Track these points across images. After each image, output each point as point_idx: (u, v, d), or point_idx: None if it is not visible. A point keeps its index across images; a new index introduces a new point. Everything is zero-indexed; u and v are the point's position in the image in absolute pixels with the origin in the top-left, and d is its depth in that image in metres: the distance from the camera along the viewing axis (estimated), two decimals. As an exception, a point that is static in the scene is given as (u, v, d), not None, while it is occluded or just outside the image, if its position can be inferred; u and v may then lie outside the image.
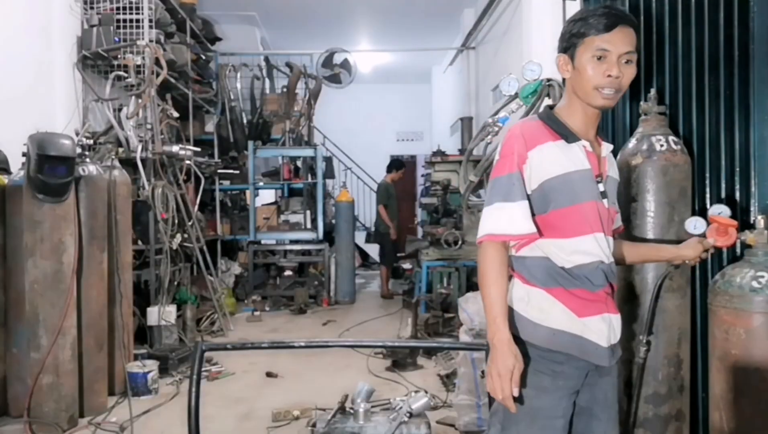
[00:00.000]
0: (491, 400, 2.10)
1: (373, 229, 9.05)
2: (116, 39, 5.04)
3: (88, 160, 3.76)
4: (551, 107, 1.70)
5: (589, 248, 1.62)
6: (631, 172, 2.41)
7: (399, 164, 8.36)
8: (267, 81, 8.46)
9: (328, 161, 9.15)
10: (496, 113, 2.29)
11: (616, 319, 1.68)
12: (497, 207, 1.59)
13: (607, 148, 1.70)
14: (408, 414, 2.39)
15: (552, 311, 1.61)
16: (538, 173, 1.59)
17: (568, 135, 1.62)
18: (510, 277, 1.66)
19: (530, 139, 1.60)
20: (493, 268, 1.57)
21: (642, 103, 2.50)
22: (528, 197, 1.59)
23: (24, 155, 3.40)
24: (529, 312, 1.63)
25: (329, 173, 8.86)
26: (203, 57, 7.39)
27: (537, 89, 2.20)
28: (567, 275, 1.61)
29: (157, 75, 5.02)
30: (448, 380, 4.04)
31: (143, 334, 4.81)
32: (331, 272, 7.69)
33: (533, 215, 1.60)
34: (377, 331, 5.96)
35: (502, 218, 1.58)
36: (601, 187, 1.65)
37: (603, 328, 1.63)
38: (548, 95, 2.21)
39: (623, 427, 2.42)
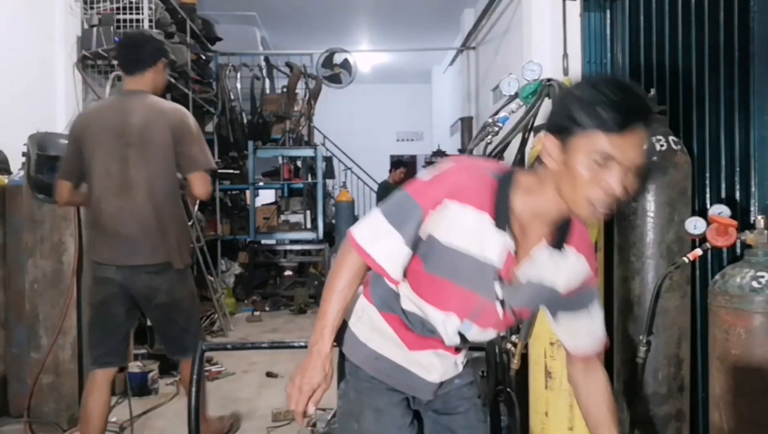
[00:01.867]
0: (491, 400, 2.09)
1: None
2: (116, 39, 5.04)
3: (88, 160, 3.76)
4: (518, 174, 1.34)
5: (436, 323, 1.43)
6: (631, 172, 2.40)
7: (397, 164, 8.37)
8: (267, 81, 8.46)
9: (328, 161, 9.15)
10: (496, 113, 2.29)
11: (460, 358, 1.52)
12: (388, 228, 1.33)
13: (542, 256, 1.35)
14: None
15: (380, 334, 1.46)
16: (439, 226, 1.32)
17: (502, 222, 1.30)
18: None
19: (462, 191, 1.30)
20: (346, 276, 1.37)
21: (642, 103, 2.50)
22: (414, 236, 1.33)
23: (24, 155, 3.40)
24: (358, 328, 1.48)
25: (329, 173, 8.86)
26: (203, 57, 7.39)
27: (537, 89, 2.20)
28: (407, 314, 1.45)
29: (157, 75, 5.01)
30: (448, 380, 4.04)
31: (143, 334, 4.81)
32: (331, 272, 7.68)
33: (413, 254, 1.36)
34: (377, 331, 5.95)
35: (384, 245, 1.33)
36: (500, 292, 1.36)
37: (437, 364, 1.47)
38: (548, 95, 2.20)
39: (623, 427, 2.42)
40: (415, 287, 1.42)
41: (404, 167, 8.35)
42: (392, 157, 8.87)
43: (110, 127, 2.59)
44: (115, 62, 5.01)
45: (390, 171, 8.34)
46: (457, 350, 1.50)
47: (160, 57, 2.75)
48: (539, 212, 1.31)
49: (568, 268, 1.40)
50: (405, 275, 1.40)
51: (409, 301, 1.44)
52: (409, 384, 1.49)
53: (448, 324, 1.43)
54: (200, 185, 2.67)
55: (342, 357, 1.53)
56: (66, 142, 2.89)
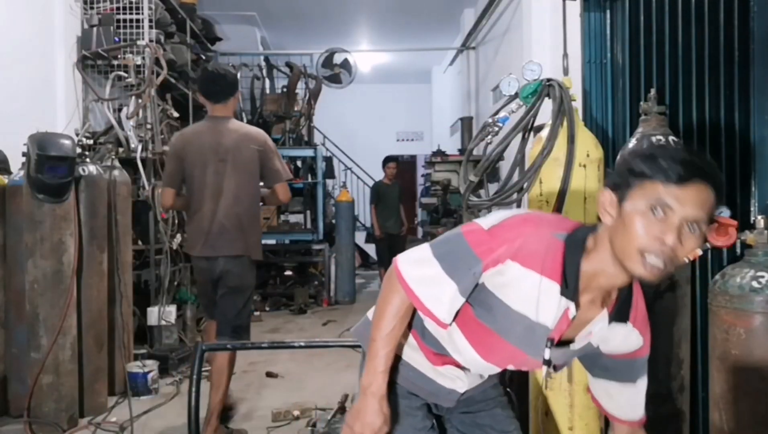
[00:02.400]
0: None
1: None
2: (116, 39, 5.04)
3: (88, 160, 3.77)
4: (585, 235, 1.28)
5: (464, 359, 1.42)
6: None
7: (388, 159, 8.36)
8: (267, 81, 8.46)
9: (328, 161, 9.15)
10: (496, 113, 2.29)
11: (477, 376, 1.51)
12: (440, 274, 1.28)
13: (600, 322, 1.32)
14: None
15: (407, 342, 1.46)
16: (494, 279, 1.28)
17: (570, 289, 1.25)
18: None
19: (525, 255, 1.24)
20: (395, 317, 1.34)
21: (642, 103, 2.50)
22: (470, 288, 1.30)
23: (24, 155, 3.40)
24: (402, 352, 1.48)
25: (329, 173, 8.86)
26: (203, 57, 7.39)
27: (537, 89, 2.20)
28: (435, 344, 1.44)
29: (157, 75, 5.01)
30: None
31: (143, 334, 4.81)
32: (331, 272, 7.69)
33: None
34: (377, 331, 5.95)
35: (438, 292, 1.29)
36: (547, 353, 1.31)
37: (461, 375, 1.47)
38: (548, 95, 2.20)
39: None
40: (461, 325, 1.37)
41: (395, 162, 8.34)
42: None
43: (206, 146, 3.22)
44: (115, 62, 5.03)
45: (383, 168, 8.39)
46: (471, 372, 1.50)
47: (237, 88, 3.41)
48: (600, 279, 1.26)
49: (621, 338, 1.36)
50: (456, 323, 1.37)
51: (446, 346, 1.42)
52: (432, 391, 1.49)
53: (480, 367, 1.42)
54: (284, 193, 3.36)
55: (364, 358, 1.53)
56: (66, 142, 3.16)
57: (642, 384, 1.44)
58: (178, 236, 5.21)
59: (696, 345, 2.50)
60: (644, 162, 1.17)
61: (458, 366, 1.46)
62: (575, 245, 1.26)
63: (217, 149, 3.20)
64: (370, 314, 1.54)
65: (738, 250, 2.27)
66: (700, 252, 2.19)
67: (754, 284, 1.93)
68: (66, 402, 3.43)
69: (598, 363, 1.43)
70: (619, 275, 1.24)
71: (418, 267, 1.32)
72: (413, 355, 1.47)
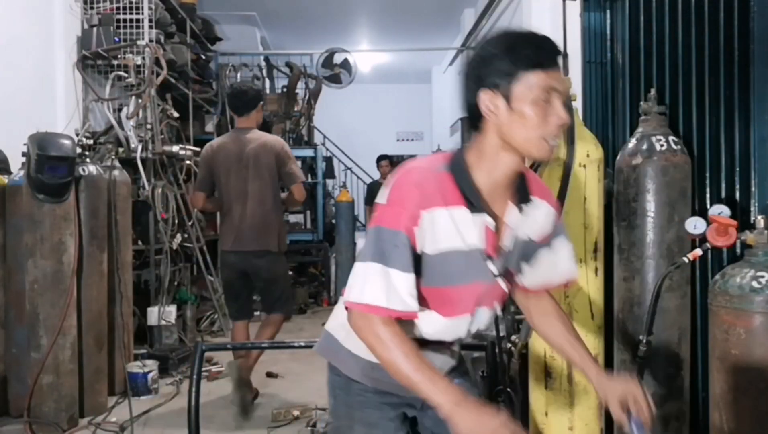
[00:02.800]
0: (491, 400, 2.09)
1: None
2: (116, 39, 5.04)
3: (88, 160, 3.77)
4: (462, 156, 1.33)
5: (439, 331, 1.40)
6: (631, 172, 2.41)
7: (381, 158, 8.39)
8: (267, 81, 8.46)
9: (328, 161, 9.15)
10: (496, 113, 2.28)
11: (455, 345, 1.51)
12: (378, 271, 1.26)
13: (516, 213, 1.37)
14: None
15: None
16: (424, 240, 1.29)
17: (476, 205, 1.30)
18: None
19: (427, 197, 1.27)
20: (395, 348, 1.26)
21: (642, 103, 2.50)
22: (414, 264, 1.28)
23: (24, 155, 3.40)
24: (348, 342, 1.44)
25: (329, 173, 8.86)
26: (203, 57, 7.39)
27: (537, 89, 2.20)
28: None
29: (157, 75, 5.02)
30: (448, 380, 4.04)
31: (143, 334, 4.81)
32: (331, 272, 7.69)
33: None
34: (377, 331, 5.95)
35: (385, 288, 1.26)
36: (493, 267, 1.35)
37: (432, 357, 1.42)
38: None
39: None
40: (421, 304, 1.35)
41: (388, 159, 8.35)
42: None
43: (231, 154, 3.70)
44: (115, 62, 5.03)
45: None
46: (446, 345, 1.49)
47: (259, 101, 3.85)
48: (497, 179, 1.32)
49: (538, 216, 1.42)
50: None
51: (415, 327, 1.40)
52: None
53: (458, 327, 1.41)
54: (299, 192, 3.79)
55: (331, 372, 1.52)
56: (66, 142, 3.19)
57: (560, 244, 1.48)
58: (178, 236, 5.21)
59: (696, 345, 2.50)
60: (517, 58, 1.23)
61: (428, 344, 1.43)
62: (459, 168, 1.31)
63: (241, 157, 3.68)
64: (328, 327, 1.53)
65: (738, 250, 2.27)
66: (700, 252, 2.20)
67: (754, 284, 1.93)
68: (66, 402, 3.43)
69: (533, 252, 1.47)
70: (512, 166, 1.31)
71: (365, 282, 1.28)
72: None
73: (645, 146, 2.40)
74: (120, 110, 4.93)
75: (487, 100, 1.27)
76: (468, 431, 1.19)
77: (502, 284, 1.39)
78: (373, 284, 1.27)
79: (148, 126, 5.07)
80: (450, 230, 1.30)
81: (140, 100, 4.96)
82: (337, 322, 1.49)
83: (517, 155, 1.29)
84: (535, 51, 1.23)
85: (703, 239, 2.21)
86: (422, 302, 1.34)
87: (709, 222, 2.17)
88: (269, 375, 4.46)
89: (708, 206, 2.43)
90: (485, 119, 1.29)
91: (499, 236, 1.37)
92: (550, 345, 1.57)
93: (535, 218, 1.41)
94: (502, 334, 2.32)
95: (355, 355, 1.45)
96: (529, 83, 1.23)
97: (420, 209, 1.27)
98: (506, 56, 1.24)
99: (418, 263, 1.30)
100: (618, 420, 1.41)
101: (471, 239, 1.32)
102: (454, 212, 1.29)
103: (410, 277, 1.28)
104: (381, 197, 1.33)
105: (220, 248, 3.93)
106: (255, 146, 3.69)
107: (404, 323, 1.33)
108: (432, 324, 1.40)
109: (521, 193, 1.38)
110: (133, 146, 4.84)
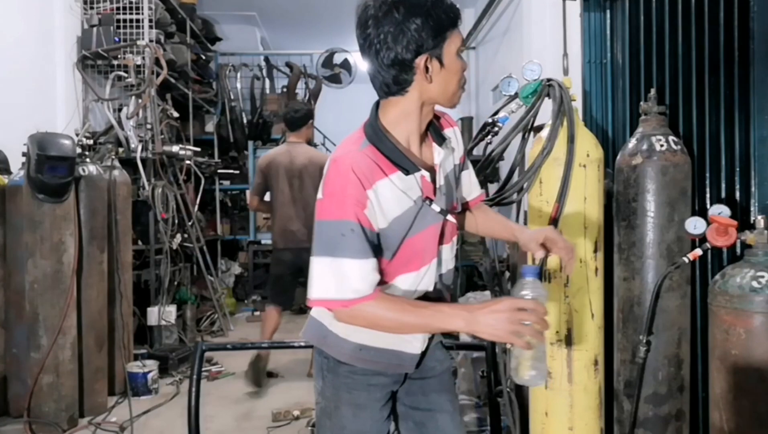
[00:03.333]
0: (491, 400, 2.10)
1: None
2: (116, 39, 5.04)
3: (88, 160, 3.77)
4: (375, 120, 1.42)
5: (420, 283, 1.46)
6: (631, 172, 2.41)
7: None
8: (267, 81, 8.46)
9: (329, 161, 9.14)
10: (496, 113, 2.29)
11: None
12: (327, 264, 1.33)
13: (439, 151, 1.46)
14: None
15: (356, 327, 1.44)
16: (377, 217, 1.35)
17: (407, 166, 1.38)
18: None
19: (366, 176, 1.33)
20: (393, 313, 1.34)
21: (642, 103, 2.50)
22: (372, 247, 1.34)
23: (24, 155, 3.40)
24: (335, 325, 1.48)
25: (329, 173, 8.85)
26: (203, 57, 7.39)
27: (537, 89, 2.19)
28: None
29: (157, 75, 5.02)
30: (448, 380, 4.04)
31: (143, 334, 4.81)
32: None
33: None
34: (377, 331, 5.95)
35: (334, 280, 1.33)
36: (436, 207, 1.43)
37: (419, 336, 1.51)
38: (548, 95, 2.20)
39: (623, 427, 2.42)
40: (388, 277, 1.42)
41: None
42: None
43: (283, 165, 4.32)
44: (115, 62, 5.04)
45: None
46: None
47: (309, 119, 4.45)
48: (416, 131, 1.42)
49: (453, 143, 1.56)
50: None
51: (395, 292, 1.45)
52: (397, 362, 1.52)
53: (429, 273, 1.47)
54: None
55: (319, 355, 1.56)
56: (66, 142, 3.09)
57: (467, 162, 1.68)
58: (178, 236, 5.22)
59: (696, 345, 2.50)
60: (443, 16, 1.33)
61: None
62: (378, 138, 1.39)
63: (291, 168, 4.29)
64: (314, 313, 1.57)
65: (738, 250, 2.27)
66: (700, 252, 2.20)
67: (754, 284, 1.93)
68: (66, 402, 3.43)
69: (461, 178, 1.63)
70: (430, 117, 1.45)
71: (329, 279, 1.34)
72: (370, 335, 1.46)
73: (645, 146, 2.39)
74: (120, 110, 4.93)
75: (422, 64, 1.34)
76: (490, 333, 1.28)
77: (451, 218, 1.48)
78: (324, 278, 1.34)
79: (148, 126, 5.07)
80: (396, 195, 1.37)
81: (140, 100, 4.96)
82: (322, 308, 1.51)
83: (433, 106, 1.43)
84: (451, 12, 1.34)
85: (703, 239, 2.21)
86: (391, 270, 1.42)
87: (709, 222, 2.17)
88: (269, 374, 4.45)
89: (708, 206, 2.43)
90: (412, 82, 1.37)
91: (435, 178, 1.46)
92: (493, 236, 1.77)
93: (452, 148, 1.55)
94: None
95: (343, 338, 1.49)
96: (451, 42, 1.35)
97: (364, 189, 1.32)
98: (429, 21, 1.31)
99: (378, 242, 1.36)
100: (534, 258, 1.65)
101: (415, 195, 1.40)
102: (393, 177, 1.37)
103: (363, 262, 1.32)
104: (318, 193, 1.39)
105: (274, 247, 4.45)
106: (303, 160, 4.30)
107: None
108: (405, 283, 1.45)
109: (437, 134, 1.49)
110: (133, 146, 4.85)
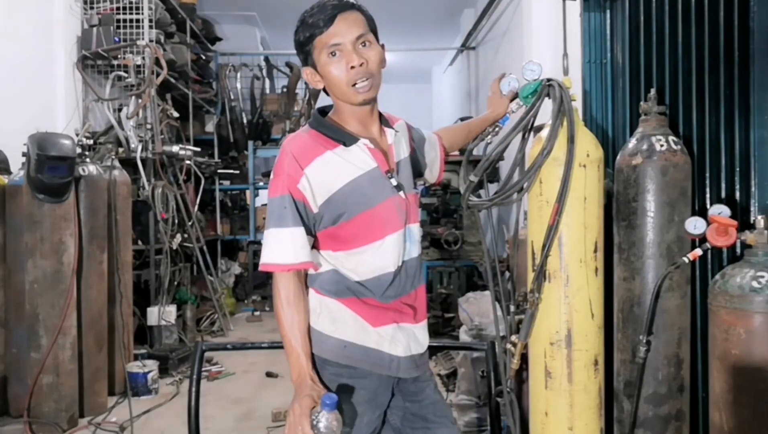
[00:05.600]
0: (490, 401, 2.10)
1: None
2: (116, 39, 5.05)
3: (88, 160, 3.77)
4: (323, 112, 1.62)
5: (381, 257, 1.54)
6: (631, 172, 2.41)
7: None
8: (267, 81, 8.46)
9: (328, 161, 9.14)
10: (496, 112, 2.28)
11: (419, 329, 1.62)
12: (274, 233, 1.48)
13: (392, 133, 1.62)
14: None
15: (343, 322, 1.53)
16: (321, 188, 1.48)
17: (345, 139, 1.52)
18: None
19: (302, 155, 1.49)
20: (288, 305, 1.50)
21: (642, 103, 2.50)
22: (305, 219, 1.48)
23: (24, 155, 3.40)
24: (320, 323, 1.54)
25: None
26: (203, 57, 7.39)
27: (537, 89, 2.19)
28: (357, 286, 1.54)
29: (157, 75, 5.02)
30: (448, 380, 4.05)
31: (143, 334, 4.81)
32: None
33: (322, 229, 1.51)
34: (377, 331, 5.95)
35: (280, 246, 1.48)
36: (394, 181, 1.55)
37: (400, 337, 1.57)
38: (548, 95, 2.20)
39: (623, 427, 2.42)
40: (346, 245, 1.52)
41: None
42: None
43: None
44: (115, 62, 5.04)
45: None
46: (415, 318, 1.61)
47: None
48: (354, 119, 1.56)
49: (404, 134, 1.72)
50: (329, 247, 1.53)
51: (349, 265, 1.54)
52: (380, 363, 1.55)
53: (397, 243, 1.55)
54: None
55: (318, 361, 1.57)
56: (66, 142, 3.19)
57: (421, 131, 1.93)
58: (178, 236, 5.22)
59: (696, 345, 2.50)
60: (301, 31, 1.50)
61: (393, 318, 1.56)
62: (318, 122, 1.57)
63: None
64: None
65: (738, 250, 2.27)
66: (700, 252, 2.20)
67: (754, 284, 1.93)
68: (66, 402, 3.43)
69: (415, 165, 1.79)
70: (359, 111, 1.55)
71: (267, 246, 1.50)
72: (354, 332, 1.54)
73: (645, 146, 2.39)
74: (120, 110, 4.93)
75: (308, 76, 1.57)
76: (289, 415, 1.44)
77: (403, 195, 1.57)
78: (271, 247, 1.48)
79: (148, 126, 5.07)
80: (341, 164, 1.50)
81: (140, 100, 4.96)
82: (308, 309, 1.57)
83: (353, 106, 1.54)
84: (308, 25, 1.48)
85: (703, 239, 2.21)
86: (353, 240, 1.52)
87: (709, 222, 2.17)
88: (269, 375, 4.46)
89: (708, 206, 2.43)
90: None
91: (389, 155, 1.59)
92: (474, 135, 2.11)
93: (402, 136, 1.69)
94: (502, 334, 2.32)
95: (327, 335, 1.54)
96: (317, 51, 1.49)
97: (301, 168, 1.47)
98: (298, 37, 1.52)
99: (309, 217, 1.50)
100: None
101: (363, 163, 1.52)
102: (336, 150, 1.51)
103: (301, 230, 1.48)
104: (271, 174, 1.54)
105: None
106: None
107: (356, 263, 1.52)
108: (366, 254, 1.53)
109: (388, 126, 1.64)
110: (133, 146, 4.85)
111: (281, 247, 1.48)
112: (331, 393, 1.43)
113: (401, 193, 1.56)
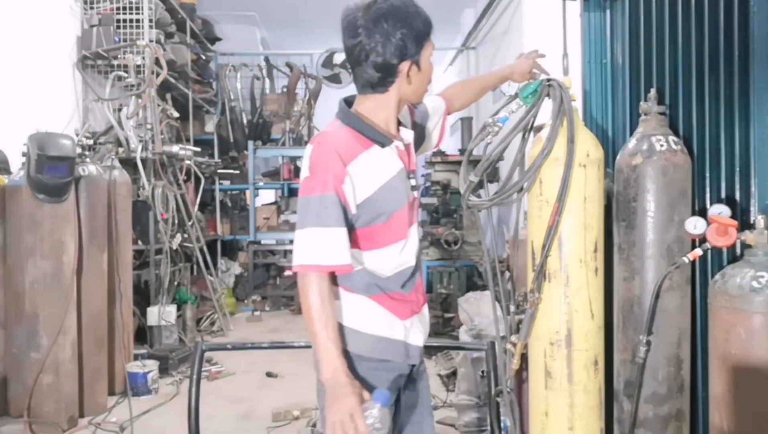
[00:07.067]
0: (490, 400, 2.10)
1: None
2: (116, 39, 5.05)
3: (88, 160, 3.77)
4: (348, 103, 1.63)
5: (406, 253, 1.61)
6: (631, 172, 2.41)
7: None
8: (267, 81, 8.47)
9: (328, 160, 9.14)
10: (496, 113, 2.28)
11: (425, 312, 1.72)
12: (314, 232, 1.46)
13: (410, 133, 1.68)
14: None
15: (375, 319, 1.58)
16: (361, 189, 1.50)
17: (382, 140, 1.56)
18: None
19: (346, 153, 1.49)
20: (323, 304, 1.47)
21: (642, 103, 2.50)
22: (347, 219, 1.49)
23: (24, 155, 3.40)
24: (353, 322, 1.57)
25: (329, 173, 8.86)
26: (203, 57, 7.39)
27: (537, 89, 2.19)
28: (385, 282, 1.58)
29: (157, 75, 5.02)
30: (448, 380, 4.05)
31: (143, 334, 4.82)
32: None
33: (354, 230, 1.52)
34: (377, 331, 5.96)
35: (322, 246, 1.46)
36: (413, 181, 1.63)
37: (419, 326, 1.67)
38: (548, 95, 2.20)
39: (623, 427, 2.42)
40: (376, 244, 1.55)
41: None
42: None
43: None
44: (115, 62, 5.04)
45: None
46: (422, 303, 1.71)
47: None
48: (390, 115, 1.60)
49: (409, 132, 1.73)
50: (360, 247, 1.54)
51: (379, 264, 1.57)
52: (406, 353, 1.63)
53: (414, 241, 1.64)
54: None
55: (348, 357, 1.57)
56: (66, 142, 3.21)
57: (423, 106, 1.87)
58: (178, 236, 5.22)
59: (696, 345, 2.50)
60: (424, 25, 1.54)
61: (413, 309, 1.64)
62: (352, 120, 1.57)
63: None
64: None
65: (738, 250, 2.27)
66: (700, 252, 2.20)
67: (754, 284, 1.93)
68: (66, 402, 3.43)
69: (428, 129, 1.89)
70: (401, 110, 1.64)
71: (305, 245, 1.48)
72: (387, 327, 1.59)
73: (645, 146, 2.39)
74: (120, 110, 4.93)
75: (406, 69, 1.54)
76: (329, 407, 1.43)
77: (417, 194, 1.66)
78: (311, 246, 1.47)
79: (148, 126, 5.07)
80: (378, 164, 1.54)
81: (140, 100, 4.96)
82: (338, 307, 1.58)
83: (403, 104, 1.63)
84: (428, 23, 1.56)
85: (703, 239, 2.21)
86: (385, 239, 1.56)
87: (709, 222, 2.17)
88: (269, 375, 4.46)
89: (708, 206, 2.43)
90: (394, 82, 1.56)
91: (410, 156, 1.66)
92: (486, 90, 2.18)
93: (409, 130, 1.72)
94: (502, 334, 2.32)
95: (362, 332, 1.57)
96: (428, 51, 1.57)
97: (344, 165, 1.48)
98: (418, 26, 1.53)
99: (348, 217, 1.49)
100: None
101: (394, 164, 1.57)
102: (372, 151, 1.54)
103: (344, 231, 1.47)
104: (304, 171, 1.52)
105: None
106: None
107: (390, 259, 1.57)
108: (395, 250, 1.58)
109: (401, 121, 1.69)
110: (133, 146, 4.85)
111: (323, 247, 1.46)
112: (382, 389, 1.47)
113: (415, 192, 1.65)
